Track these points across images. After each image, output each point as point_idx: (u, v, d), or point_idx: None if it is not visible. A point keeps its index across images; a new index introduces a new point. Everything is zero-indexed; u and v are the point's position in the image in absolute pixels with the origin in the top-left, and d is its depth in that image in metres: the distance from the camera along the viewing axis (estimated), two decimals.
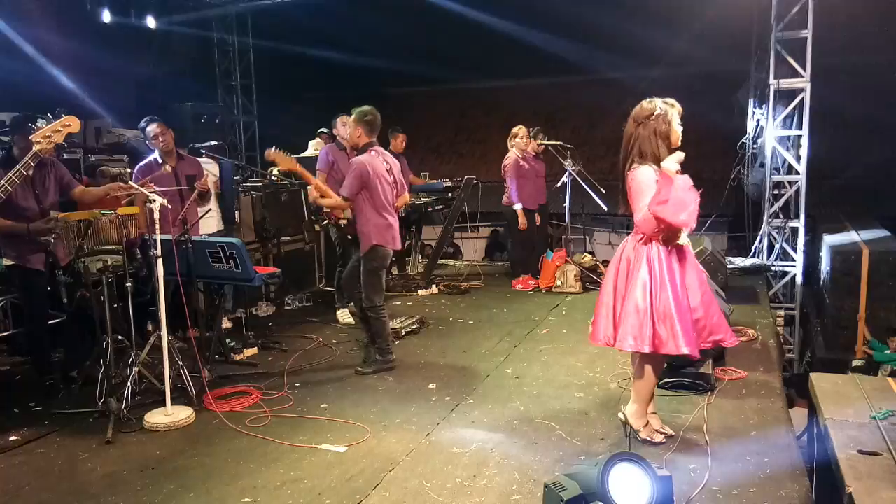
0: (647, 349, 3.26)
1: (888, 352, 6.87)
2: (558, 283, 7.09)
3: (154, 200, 3.87)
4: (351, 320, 5.98)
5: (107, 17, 8.78)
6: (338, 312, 6.00)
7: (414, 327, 5.66)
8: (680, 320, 3.22)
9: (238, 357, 4.97)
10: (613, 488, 2.65)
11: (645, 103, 3.30)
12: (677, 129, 3.27)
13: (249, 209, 6.20)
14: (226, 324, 5.49)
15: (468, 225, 8.37)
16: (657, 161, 3.24)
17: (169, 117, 5.29)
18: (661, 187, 3.13)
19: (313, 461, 3.41)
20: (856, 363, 6.57)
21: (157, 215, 3.86)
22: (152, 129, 4.94)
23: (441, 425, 3.80)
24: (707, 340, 3.37)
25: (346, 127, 5.87)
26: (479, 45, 12.47)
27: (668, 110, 3.25)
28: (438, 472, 3.25)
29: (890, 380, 4.57)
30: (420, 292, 7.11)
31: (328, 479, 3.21)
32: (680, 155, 3.19)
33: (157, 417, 3.87)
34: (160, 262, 3.88)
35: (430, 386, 4.42)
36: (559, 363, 4.84)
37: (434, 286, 7.31)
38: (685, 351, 3.22)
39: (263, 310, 6.18)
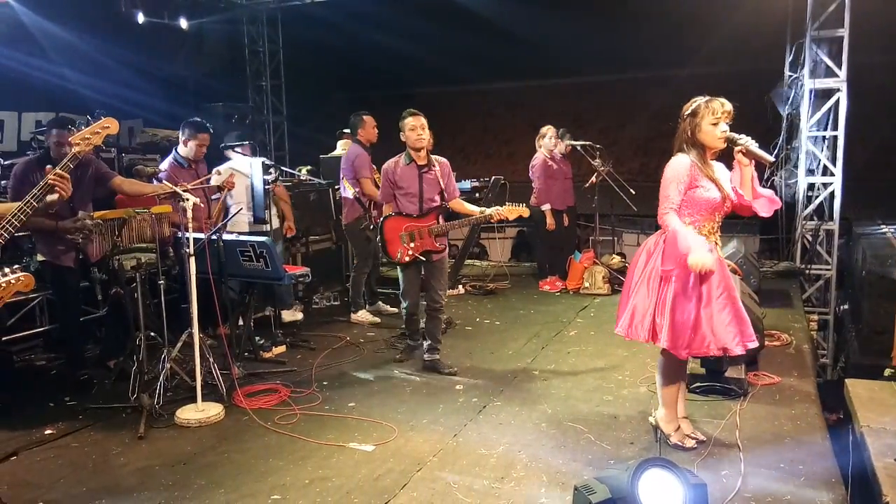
0: (642, 337, 3.27)
1: None
2: (586, 284, 7.04)
3: (187, 199, 3.92)
4: (377, 319, 6.01)
5: (141, 18, 8.94)
6: (358, 314, 6.00)
7: (441, 327, 5.64)
8: (675, 315, 3.18)
9: (267, 355, 5.02)
10: (644, 493, 2.61)
11: (692, 100, 3.23)
12: (708, 130, 3.15)
13: (278, 209, 6.24)
14: (294, 315, 5.81)
15: (495, 225, 8.34)
16: (698, 156, 3.19)
17: (200, 117, 5.37)
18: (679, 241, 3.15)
19: (341, 459, 3.42)
20: (888, 372, 6.39)
21: (189, 214, 3.91)
22: (204, 137, 5.05)
23: (468, 426, 3.79)
24: (715, 347, 3.22)
25: (375, 129, 5.92)
26: (506, 44, 12.43)
27: (698, 109, 3.17)
28: (466, 474, 3.25)
29: None
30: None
31: (356, 478, 3.22)
32: (701, 264, 3.09)
33: (188, 413, 3.93)
34: (192, 260, 3.93)
35: (458, 387, 4.41)
36: (587, 365, 4.80)
37: (460, 287, 7.31)
38: (665, 346, 3.21)
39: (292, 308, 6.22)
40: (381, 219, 4.63)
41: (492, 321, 6.09)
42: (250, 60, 10.73)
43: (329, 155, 7.13)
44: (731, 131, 3.18)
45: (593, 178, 7.33)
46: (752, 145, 3.16)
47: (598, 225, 7.73)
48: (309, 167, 7.42)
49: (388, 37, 11.75)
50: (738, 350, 3.24)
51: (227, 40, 10.69)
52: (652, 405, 3.79)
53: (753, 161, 3.19)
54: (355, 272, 6.01)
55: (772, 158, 3.26)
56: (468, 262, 8.40)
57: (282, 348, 5.17)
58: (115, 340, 4.67)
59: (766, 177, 7.63)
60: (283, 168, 6.09)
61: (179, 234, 4.41)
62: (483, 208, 4.66)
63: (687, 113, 3.21)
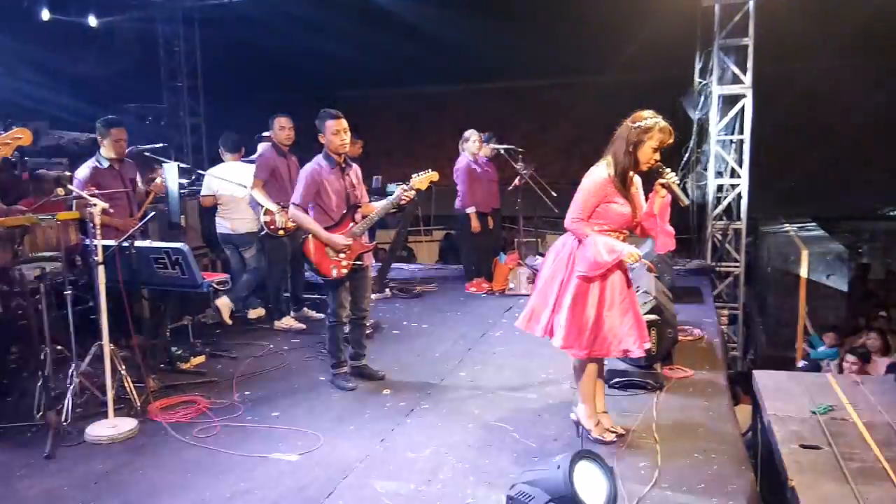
0: (539, 333, 3.41)
1: (822, 348, 7.16)
2: (511, 285, 7.14)
3: (94, 204, 3.73)
4: (302, 325, 5.90)
5: (45, 15, 8.45)
6: (282, 321, 5.89)
7: (367, 332, 5.58)
8: (569, 317, 3.31)
9: (185, 366, 4.83)
10: (580, 488, 2.66)
11: (644, 111, 3.29)
12: (649, 150, 3.25)
13: (196, 213, 6.04)
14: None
15: (422, 228, 8.36)
16: (622, 167, 3.29)
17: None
18: (588, 245, 3.27)
19: (264, 471, 3.34)
20: (800, 365, 6.81)
21: (97, 220, 3.72)
22: (117, 131, 4.92)
23: (396, 431, 3.78)
24: (617, 349, 3.38)
25: (283, 131, 5.80)
26: (432, 49, 12.48)
27: (650, 128, 3.23)
28: (392, 478, 3.23)
29: (830, 376, 4.76)
30: (373, 296, 7.03)
31: (280, 489, 3.15)
32: (636, 254, 3.25)
33: (99, 430, 3.73)
34: (101, 268, 3.74)
35: (385, 392, 4.38)
36: (513, 365, 4.87)
37: (388, 290, 7.27)
38: (559, 345, 3.35)
39: (211, 316, 6.02)
40: (301, 240, 4.47)
41: (419, 324, 6.09)
42: (165, 60, 10.34)
43: (248, 158, 6.95)
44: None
45: (516, 181, 7.46)
46: (674, 180, 3.32)
47: (521, 227, 7.86)
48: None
49: (312, 38, 11.56)
50: (638, 352, 3.40)
51: (140, 39, 10.26)
52: (575, 402, 3.88)
53: (670, 197, 3.35)
54: (272, 278, 5.89)
55: (687, 201, 3.43)
56: (396, 265, 8.37)
57: (201, 358, 4.99)
58: (19, 356, 4.38)
59: (679, 179, 7.97)
60: (200, 171, 5.90)
61: (87, 242, 4.19)
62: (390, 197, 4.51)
63: (641, 123, 3.25)
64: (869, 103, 11.71)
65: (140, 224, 4.46)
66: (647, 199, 3.43)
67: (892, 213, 12.27)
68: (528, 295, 6.85)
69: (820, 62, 11.44)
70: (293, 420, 3.94)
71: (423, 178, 4.52)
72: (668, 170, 3.33)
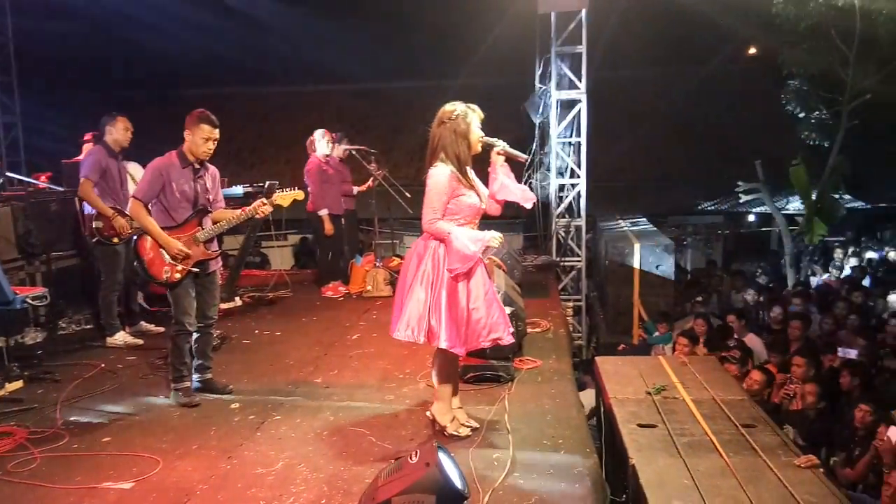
0: (421, 340, 3.40)
1: (656, 335, 7.79)
2: (368, 287, 7.07)
3: None
4: (139, 340, 5.45)
5: None
6: (115, 336, 5.41)
7: (214, 343, 5.26)
8: (448, 316, 3.36)
9: None
10: (455, 479, 2.69)
11: (447, 106, 3.45)
12: (476, 132, 3.43)
13: (10, 221, 5.38)
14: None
15: (273, 233, 8.03)
16: (458, 160, 3.39)
17: None
18: (450, 243, 3.32)
19: (92, 503, 3.01)
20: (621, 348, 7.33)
21: None
22: None
23: (244, 446, 3.58)
24: (487, 339, 3.46)
25: (127, 132, 5.35)
26: (285, 47, 12.16)
27: (467, 112, 3.42)
28: (240, 498, 3.05)
29: (662, 358, 5.15)
30: (222, 305, 6.64)
31: None
32: (499, 237, 3.36)
33: None
34: None
35: (233, 405, 4.14)
36: (369, 367, 4.81)
37: (237, 298, 6.92)
38: (444, 346, 3.38)
39: (31, 336, 5.38)
40: (133, 239, 4.15)
41: (272, 332, 5.85)
42: None
43: (73, 160, 6.32)
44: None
45: (370, 182, 7.41)
46: (507, 146, 3.51)
47: (377, 228, 7.82)
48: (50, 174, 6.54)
49: (148, 30, 10.78)
50: (508, 339, 3.51)
51: None
52: (431, 400, 3.89)
53: (507, 160, 3.51)
54: (103, 290, 5.38)
55: (525, 157, 3.62)
56: (247, 272, 7.98)
57: (18, 384, 4.44)
58: None
59: (524, 180, 8.33)
60: (11, 175, 5.27)
61: None
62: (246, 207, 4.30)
63: (457, 114, 3.39)
64: (690, 108, 13.01)
65: None
66: (486, 182, 3.55)
67: (710, 209, 13.69)
68: (388, 297, 6.88)
69: (646, 70, 12.52)
70: (127, 444, 3.60)
71: (286, 196, 4.35)
72: (495, 139, 3.51)
